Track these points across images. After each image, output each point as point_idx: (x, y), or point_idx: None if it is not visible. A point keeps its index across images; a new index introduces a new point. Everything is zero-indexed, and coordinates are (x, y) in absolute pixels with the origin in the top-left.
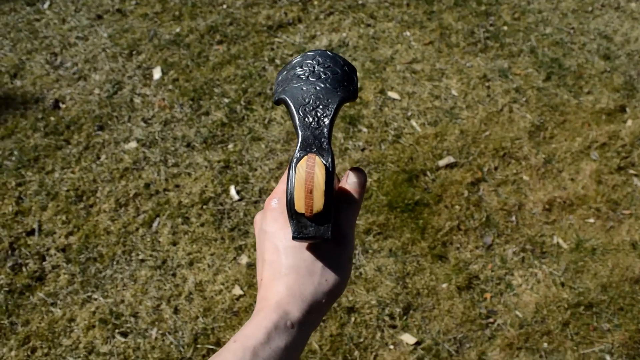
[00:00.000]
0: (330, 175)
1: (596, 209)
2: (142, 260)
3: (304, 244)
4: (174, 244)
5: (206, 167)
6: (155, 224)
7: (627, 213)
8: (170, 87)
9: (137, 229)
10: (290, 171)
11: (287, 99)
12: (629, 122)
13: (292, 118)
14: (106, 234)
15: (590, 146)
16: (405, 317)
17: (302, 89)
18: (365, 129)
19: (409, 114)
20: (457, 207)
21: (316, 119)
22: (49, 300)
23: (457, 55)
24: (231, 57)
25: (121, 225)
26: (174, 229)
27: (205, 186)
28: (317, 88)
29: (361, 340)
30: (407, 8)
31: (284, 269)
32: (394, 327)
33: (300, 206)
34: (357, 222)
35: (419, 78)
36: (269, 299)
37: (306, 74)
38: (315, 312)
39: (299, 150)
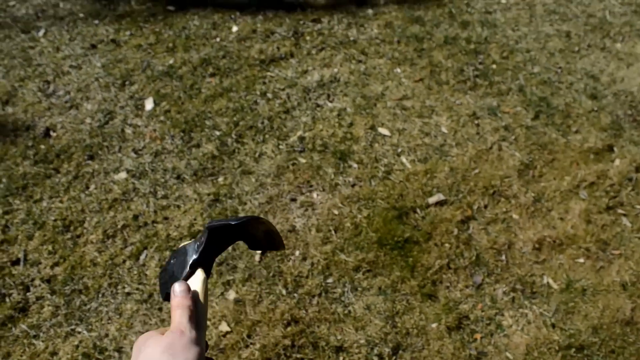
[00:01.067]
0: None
1: (586, 248)
2: (128, 294)
3: (155, 346)
4: None
5: (196, 199)
6: (142, 257)
7: (616, 253)
8: (162, 118)
9: (124, 261)
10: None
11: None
12: (617, 162)
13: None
14: (92, 265)
15: (579, 185)
16: (394, 358)
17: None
18: (355, 165)
19: (399, 150)
20: (447, 245)
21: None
22: (31, 332)
23: (446, 92)
24: (223, 89)
25: (108, 257)
26: (161, 262)
27: (195, 219)
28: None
29: None
30: (397, 45)
31: None
32: None
33: None
34: (347, 258)
35: (409, 115)
36: None
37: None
38: None
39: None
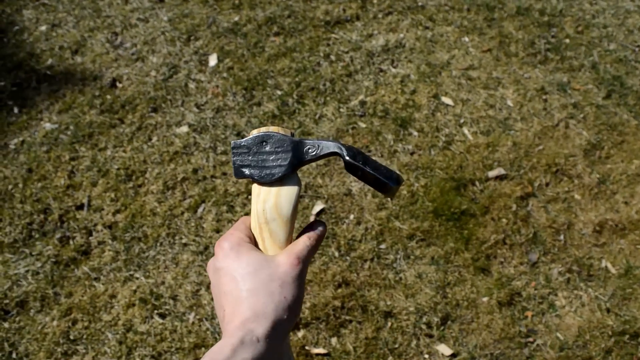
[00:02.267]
0: None
1: None
2: (185, 245)
3: (260, 269)
4: (217, 230)
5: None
6: (200, 210)
7: None
8: (224, 75)
9: (182, 213)
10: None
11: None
12: None
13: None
14: (152, 215)
15: None
16: (442, 328)
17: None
18: (415, 133)
19: (462, 121)
20: (504, 220)
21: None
22: (92, 274)
23: (515, 65)
24: (287, 49)
25: (167, 207)
26: (218, 216)
27: None
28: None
29: (396, 346)
30: (467, 13)
31: (244, 293)
32: (430, 336)
33: None
34: (401, 226)
35: (474, 85)
36: (234, 322)
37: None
38: (279, 327)
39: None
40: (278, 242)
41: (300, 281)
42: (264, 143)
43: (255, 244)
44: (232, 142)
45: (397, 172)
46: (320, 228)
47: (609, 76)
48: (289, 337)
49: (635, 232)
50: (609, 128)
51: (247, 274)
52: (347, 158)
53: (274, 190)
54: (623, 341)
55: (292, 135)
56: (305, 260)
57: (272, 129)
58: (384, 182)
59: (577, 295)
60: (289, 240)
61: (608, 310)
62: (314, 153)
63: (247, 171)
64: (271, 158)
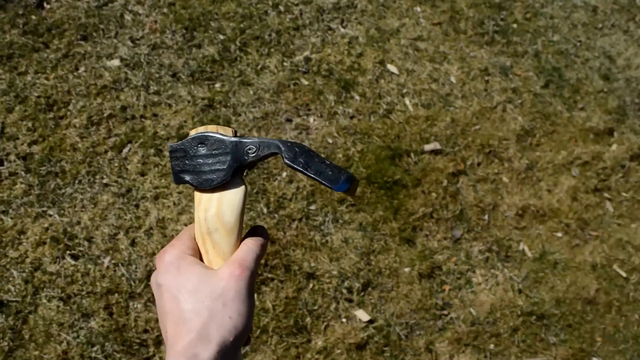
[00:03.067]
0: None
1: (566, 224)
2: (106, 185)
3: (201, 287)
4: (142, 174)
5: (189, 101)
6: (125, 150)
7: (594, 234)
8: (165, 10)
9: (105, 152)
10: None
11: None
12: (614, 147)
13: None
14: (72, 150)
15: (572, 162)
16: (362, 294)
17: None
18: (357, 97)
19: (404, 91)
20: (433, 194)
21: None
22: (0, 207)
23: (462, 42)
24: None
25: (90, 144)
26: (144, 159)
27: (185, 121)
28: None
29: (315, 307)
30: None
31: (186, 314)
32: (350, 300)
33: None
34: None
35: (420, 57)
36: (177, 345)
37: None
38: (226, 349)
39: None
40: (222, 255)
41: (246, 293)
42: (201, 145)
43: (200, 256)
44: (169, 145)
45: (348, 172)
46: (263, 234)
47: (549, 66)
48: (240, 353)
49: (554, 220)
50: (542, 117)
51: (188, 292)
52: (286, 160)
53: (215, 196)
54: (530, 321)
55: (235, 133)
56: (250, 267)
57: (210, 128)
58: (327, 186)
59: (493, 274)
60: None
61: (520, 291)
62: (254, 154)
63: (186, 177)
64: (209, 162)
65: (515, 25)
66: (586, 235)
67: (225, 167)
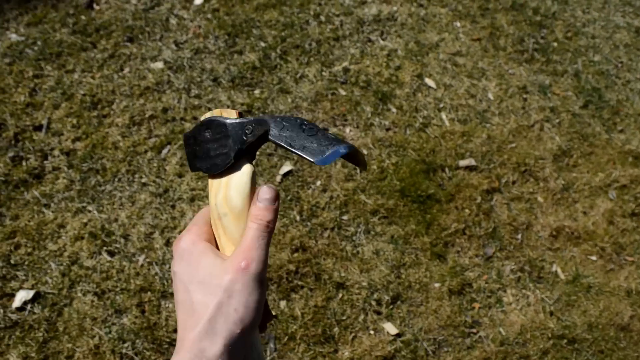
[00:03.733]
0: None
1: (601, 247)
2: (145, 184)
3: (210, 278)
4: (180, 175)
5: (228, 106)
6: (165, 151)
7: (629, 259)
8: (209, 16)
9: (145, 152)
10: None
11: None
12: None
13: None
14: (114, 148)
15: (610, 185)
16: (391, 307)
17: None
18: (394, 109)
19: (441, 105)
20: (467, 210)
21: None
22: (43, 200)
23: (501, 59)
24: (277, 1)
25: (131, 143)
26: (182, 161)
27: None
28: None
29: (344, 318)
30: None
31: (195, 306)
32: (378, 313)
33: None
34: (366, 200)
35: (459, 72)
36: (185, 339)
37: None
38: (233, 342)
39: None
40: (232, 240)
41: (254, 285)
42: (207, 131)
43: (216, 242)
44: (183, 134)
45: (342, 144)
46: (266, 197)
47: (589, 87)
48: (254, 339)
49: (589, 243)
50: (580, 137)
51: (197, 283)
52: (270, 137)
53: (223, 181)
54: (561, 345)
55: (241, 115)
56: (256, 257)
57: (215, 112)
58: (309, 160)
59: (524, 295)
60: None
61: (551, 314)
62: (252, 133)
63: (197, 163)
64: (215, 146)
65: (555, 44)
66: (622, 260)
67: (226, 150)
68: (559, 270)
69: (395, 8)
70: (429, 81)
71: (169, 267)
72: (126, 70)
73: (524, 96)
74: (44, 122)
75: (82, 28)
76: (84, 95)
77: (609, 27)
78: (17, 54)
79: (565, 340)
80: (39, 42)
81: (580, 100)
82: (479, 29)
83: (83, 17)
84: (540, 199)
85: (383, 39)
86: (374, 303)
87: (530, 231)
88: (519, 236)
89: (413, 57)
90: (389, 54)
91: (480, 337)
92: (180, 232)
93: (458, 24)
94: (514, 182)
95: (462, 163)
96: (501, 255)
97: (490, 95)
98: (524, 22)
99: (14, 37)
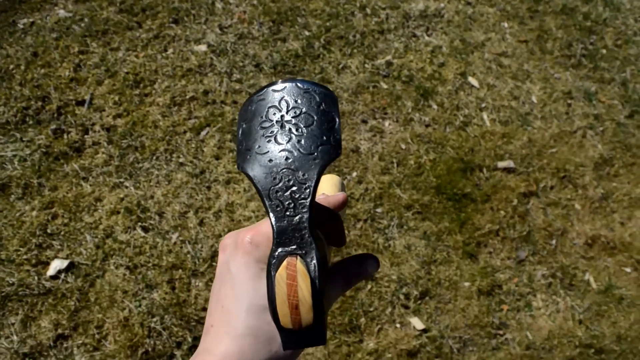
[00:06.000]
0: (315, 284)
1: (637, 260)
2: (182, 164)
3: (243, 294)
4: (217, 158)
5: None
6: (203, 133)
7: None
8: (254, 2)
9: (184, 132)
10: (269, 280)
11: (253, 178)
12: None
13: (262, 201)
14: (154, 127)
15: None
16: (419, 302)
17: (269, 161)
18: (435, 106)
19: (483, 105)
20: (502, 212)
21: (292, 204)
22: (81, 173)
23: (548, 62)
24: None
25: (170, 123)
26: (220, 143)
27: None
28: (288, 158)
29: (371, 309)
30: None
31: (241, 328)
32: (406, 307)
33: (286, 322)
34: (401, 194)
35: (503, 73)
36: (214, 355)
37: (273, 131)
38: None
39: (275, 248)
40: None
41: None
42: None
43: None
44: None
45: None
46: (369, 269)
47: (636, 96)
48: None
49: (624, 254)
50: (623, 147)
51: (256, 306)
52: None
53: None
54: (587, 354)
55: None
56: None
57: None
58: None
59: (554, 301)
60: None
61: (580, 322)
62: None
63: None
64: None
65: (604, 51)
66: None
67: None
68: (592, 279)
69: (442, 5)
70: (472, 80)
71: (201, 247)
72: (170, 51)
73: (569, 101)
74: (87, 97)
75: (128, 7)
76: (127, 73)
77: None
78: (64, 29)
79: (592, 350)
80: (85, 19)
81: (626, 109)
82: (527, 31)
83: None
84: (577, 206)
85: (428, 35)
86: (402, 297)
87: (565, 238)
88: (553, 242)
89: (457, 55)
90: (434, 50)
91: (506, 339)
92: (214, 213)
93: (505, 25)
94: (552, 187)
95: (501, 164)
96: (533, 260)
97: (534, 99)
98: (573, 26)
99: (62, 13)
